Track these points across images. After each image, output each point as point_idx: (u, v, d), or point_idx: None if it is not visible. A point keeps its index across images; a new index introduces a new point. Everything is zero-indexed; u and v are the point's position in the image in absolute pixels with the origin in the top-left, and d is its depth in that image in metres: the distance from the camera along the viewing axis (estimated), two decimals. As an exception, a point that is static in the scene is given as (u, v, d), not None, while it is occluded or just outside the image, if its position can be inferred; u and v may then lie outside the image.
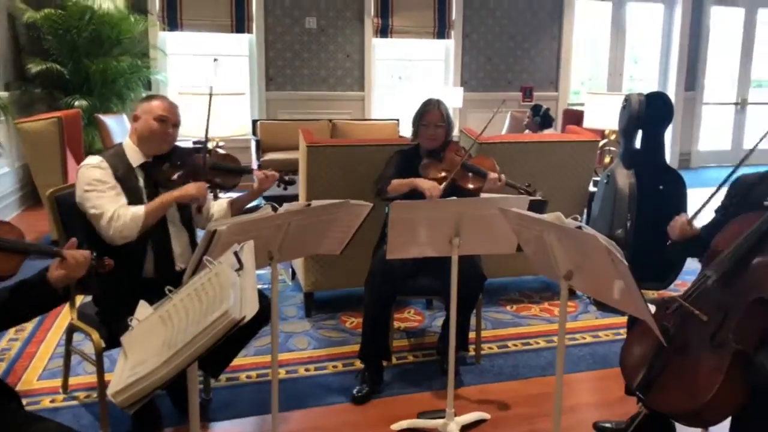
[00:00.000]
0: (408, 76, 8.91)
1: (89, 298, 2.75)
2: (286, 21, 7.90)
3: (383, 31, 8.19)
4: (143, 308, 1.59)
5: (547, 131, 5.72)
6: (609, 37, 9.42)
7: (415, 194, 2.97)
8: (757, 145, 2.35)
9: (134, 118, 2.64)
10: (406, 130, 3.41)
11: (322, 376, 3.09)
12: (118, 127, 5.82)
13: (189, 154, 2.77)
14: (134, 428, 2.55)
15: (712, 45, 9.62)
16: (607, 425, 2.61)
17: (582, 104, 7.51)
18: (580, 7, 9.04)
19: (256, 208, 2.19)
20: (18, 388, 2.88)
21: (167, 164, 2.65)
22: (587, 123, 5.49)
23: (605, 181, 4.09)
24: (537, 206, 2.50)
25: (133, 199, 2.53)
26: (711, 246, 2.28)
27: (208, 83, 2.91)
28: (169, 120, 2.62)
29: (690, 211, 2.41)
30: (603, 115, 5.29)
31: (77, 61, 6.48)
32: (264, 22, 7.79)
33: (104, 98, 6.61)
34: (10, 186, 6.07)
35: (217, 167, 2.79)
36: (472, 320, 3.15)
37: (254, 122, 7.60)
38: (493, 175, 3.04)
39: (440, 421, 2.61)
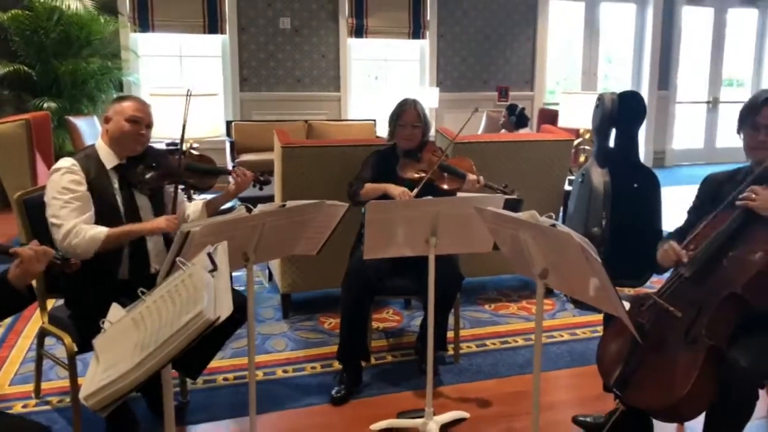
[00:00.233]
0: (384, 77, 8.92)
1: (61, 301, 2.71)
2: (260, 21, 7.85)
3: (358, 32, 8.19)
4: (116, 311, 1.56)
5: (522, 131, 5.76)
6: (583, 37, 9.52)
7: (389, 198, 2.98)
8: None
9: (106, 120, 2.60)
10: (383, 131, 3.41)
11: (300, 378, 3.07)
12: (89, 129, 5.73)
13: (163, 155, 2.73)
14: (108, 433, 2.51)
15: (684, 44, 9.77)
16: (587, 419, 2.62)
17: (557, 104, 7.57)
18: (554, 8, 9.12)
19: (231, 209, 2.17)
20: (-12, 395, 2.83)
21: (141, 166, 2.61)
22: (562, 122, 5.52)
23: (580, 179, 4.12)
24: (512, 205, 2.50)
25: (106, 203, 2.50)
26: (684, 244, 2.30)
27: (182, 117, 2.86)
28: (142, 120, 2.59)
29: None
30: (578, 115, 5.32)
31: (45, 62, 6.38)
32: (237, 23, 7.74)
33: (74, 100, 6.51)
34: (-22, 189, 5.94)
35: (192, 168, 2.76)
36: (451, 319, 3.15)
37: (228, 123, 7.55)
38: (471, 176, 3.05)
39: (419, 420, 2.60)
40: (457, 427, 2.69)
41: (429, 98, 7.98)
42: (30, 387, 2.90)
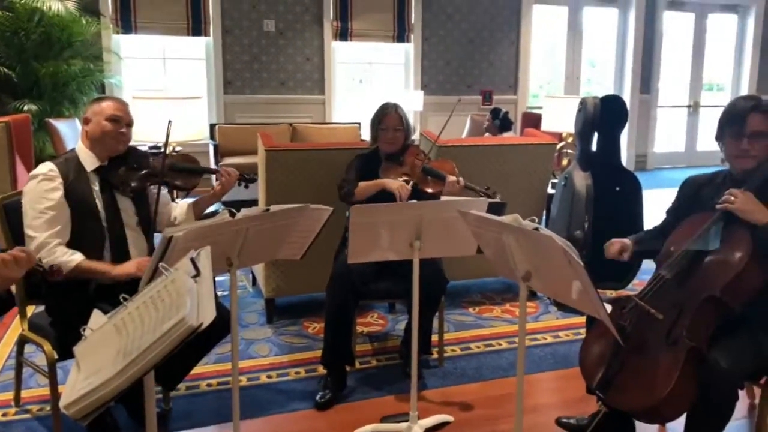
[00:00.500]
0: (368, 80, 8.92)
1: (41, 308, 2.68)
2: (244, 24, 7.82)
3: (343, 35, 8.18)
4: (97, 317, 1.55)
5: (506, 134, 5.80)
6: (566, 41, 9.58)
7: (384, 195, 2.98)
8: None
9: (85, 121, 2.58)
10: (368, 134, 3.41)
11: (284, 383, 3.05)
12: (71, 131, 5.67)
13: (146, 156, 2.71)
14: (90, 441, 2.48)
15: (666, 49, 9.88)
16: (570, 421, 2.64)
17: (540, 107, 7.62)
18: (537, 12, 9.18)
19: (215, 213, 2.16)
20: (-33, 402, 2.78)
21: (123, 167, 2.59)
22: (545, 126, 5.55)
23: (563, 183, 4.15)
24: (496, 208, 2.51)
25: (85, 207, 2.47)
26: (664, 247, 2.33)
27: (162, 144, 2.82)
28: (122, 119, 2.57)
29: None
30: (560, 118, 5.36)
31: (26, 64, 6.31)
32: (221, 25, 7.71)
33: (55, 102, 6.44)
34: (-42, 193, 5.86)
35: (176, 168, 2.75)
36: (435, 323, 3.16)
37: (212, 126, 7.51)
38: (451, 178, 3.06)
39: (404, 424, 2.60)
40: (442, 430, 2.69)
41: (414, 101, 7.99)
42: (10, 395, 2.85)
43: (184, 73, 7.98)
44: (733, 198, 2.13)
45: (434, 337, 3.19)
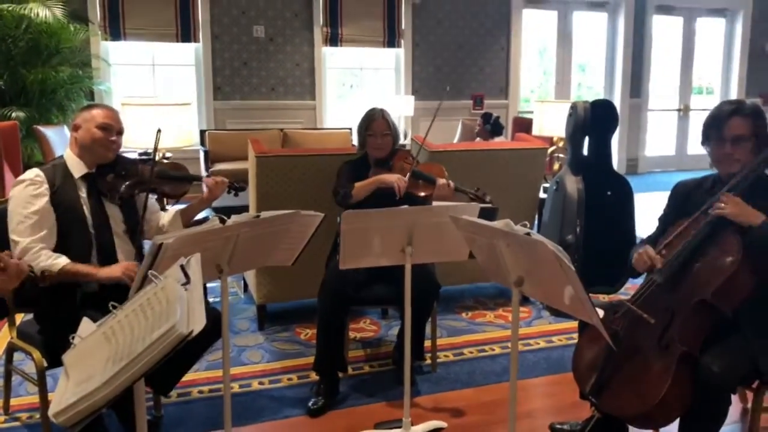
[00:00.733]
0: (359, 85, 8.93)
1: (30, 316, 2.65)
2: (234, 30, 7.81)
3: (333, 40, 8.18)
4: (86, 325, 1.53)
5: (497, 139, 5.80)
6: (556, 46, 9.62)
7: (381, 194, 2.98)
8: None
9: (74, 128, 2.56)
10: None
11: (276, 390, 3.04)
12: (59, 138, 5.64)
13: (134, 163, 2.69)
14: (80, 450, 2.45)
15: (655, 53, 9.93)
16: (564, 427, 2.63)
17: (531, 112, 7.64)
18: (527, 16, 9.22)
19: (205, 220, 2.14)
20: (-46, 413, 2.75)
21: (112, 175, 2.57)
22: (536, 130, 5.57)
23: (554, 187, 4.16)
24: (488, 214, 2.51)
25: (72, 213, 2.46)
26: (657, 250, 2.33)
27: (150, 151, 2.79)
28: (113, 127, 2.55)
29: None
30: (551, 123, 5.38)
31: (13, 71, 6.27)
32: (210, 31, 7.69)
33: (44, 109, 6.40)
34: (-54, 201, 5.81)
35: (164, 175, 2.73)
36: (428, 328, 3.15)
37: (202, 133, 7.48)
38: (441, 180, 3.06)
39: (397, 431, 2.59)
40: (435, 436, 2.68)
41: (404, 106, 7.99)
42: (-2, 403, 2.83)
43: (174, 80, 7.95)
44: (723, 204, 2.14)
45: (427, 343, 3.18)
